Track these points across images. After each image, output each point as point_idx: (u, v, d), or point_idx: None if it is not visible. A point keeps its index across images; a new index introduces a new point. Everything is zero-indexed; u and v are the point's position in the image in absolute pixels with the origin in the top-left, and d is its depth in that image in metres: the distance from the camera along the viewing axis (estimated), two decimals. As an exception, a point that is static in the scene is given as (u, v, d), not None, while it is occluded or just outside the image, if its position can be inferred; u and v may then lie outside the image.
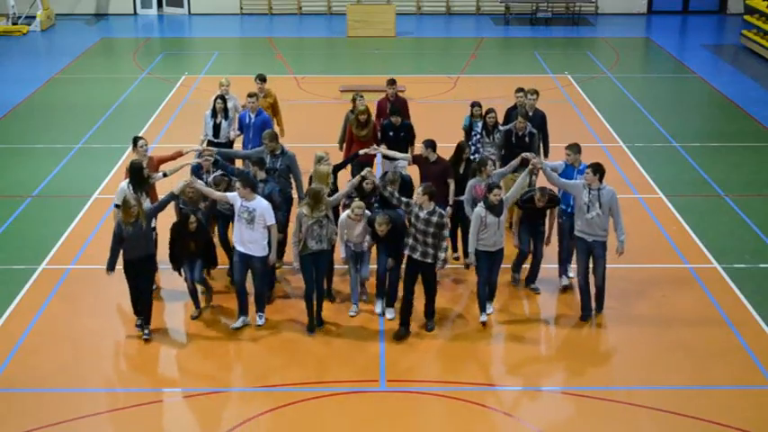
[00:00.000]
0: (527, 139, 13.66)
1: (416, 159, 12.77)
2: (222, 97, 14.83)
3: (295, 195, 12.97)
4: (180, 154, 12.93)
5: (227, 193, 11.51)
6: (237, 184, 11.21)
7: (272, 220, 11.20)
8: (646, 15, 32.99)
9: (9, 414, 9.82)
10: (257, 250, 11.25)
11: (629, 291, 12.49)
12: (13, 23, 29.53)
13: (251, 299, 11.62)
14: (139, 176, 11.78)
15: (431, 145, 12.52)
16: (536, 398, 10.27)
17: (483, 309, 11.50)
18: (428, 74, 24.28)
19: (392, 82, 15.20)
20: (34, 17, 29.93)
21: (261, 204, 11.15)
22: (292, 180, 12.92)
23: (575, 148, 12.06)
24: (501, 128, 14.05)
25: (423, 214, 10.91)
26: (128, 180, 11.81)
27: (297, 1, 32.96)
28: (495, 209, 11.08)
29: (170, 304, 12.07)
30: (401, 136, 14.09)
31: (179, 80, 23.37)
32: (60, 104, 21.55)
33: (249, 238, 11.18)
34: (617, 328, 11.68)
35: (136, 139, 12.59)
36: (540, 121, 14.37)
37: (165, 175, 12.28)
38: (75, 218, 14.74)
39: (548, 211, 12.03)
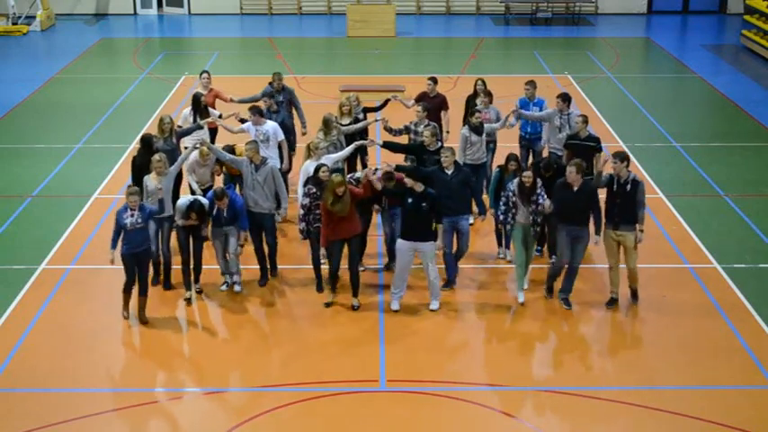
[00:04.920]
0: (628, 186, 11.45)
1: (420, 97, 15.06)
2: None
3: (297, 123, 15.39)
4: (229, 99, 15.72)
5: (243, 125, 13.85)
6: (249, 114, 13.70)
7: (282, 137, 13.77)
8: (646, 15, 33.00)
9: (9, 414, 9.82)
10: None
11: (628, 291, 12.48)
12: (13, 23, 29.55)
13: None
14: (197, 105, 14.35)
15: (435, 81, 15.24)
16: (536, 398, 10.26)
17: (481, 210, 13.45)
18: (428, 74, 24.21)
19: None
20: (34, 17, 29.95)
21: (271, 125, 13.69)
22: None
23: (533, 84, 14.85)
24: (604, 175, 11.73)
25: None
26: (190, 108, 14.44)
27: (297, 1, 32.97)
28: (476, 129, 13.63)
29: (169, 304, 12.08)
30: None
31: (179, 80, 23.38)
32: (60, 104, 21.55)
33: (265, 154, 12.94)
34: (617, 328, 11.69)
35: (201, 73, 15.59)
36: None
37: (220, 116, 14.57)
38: (75, 218, 14.74)
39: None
